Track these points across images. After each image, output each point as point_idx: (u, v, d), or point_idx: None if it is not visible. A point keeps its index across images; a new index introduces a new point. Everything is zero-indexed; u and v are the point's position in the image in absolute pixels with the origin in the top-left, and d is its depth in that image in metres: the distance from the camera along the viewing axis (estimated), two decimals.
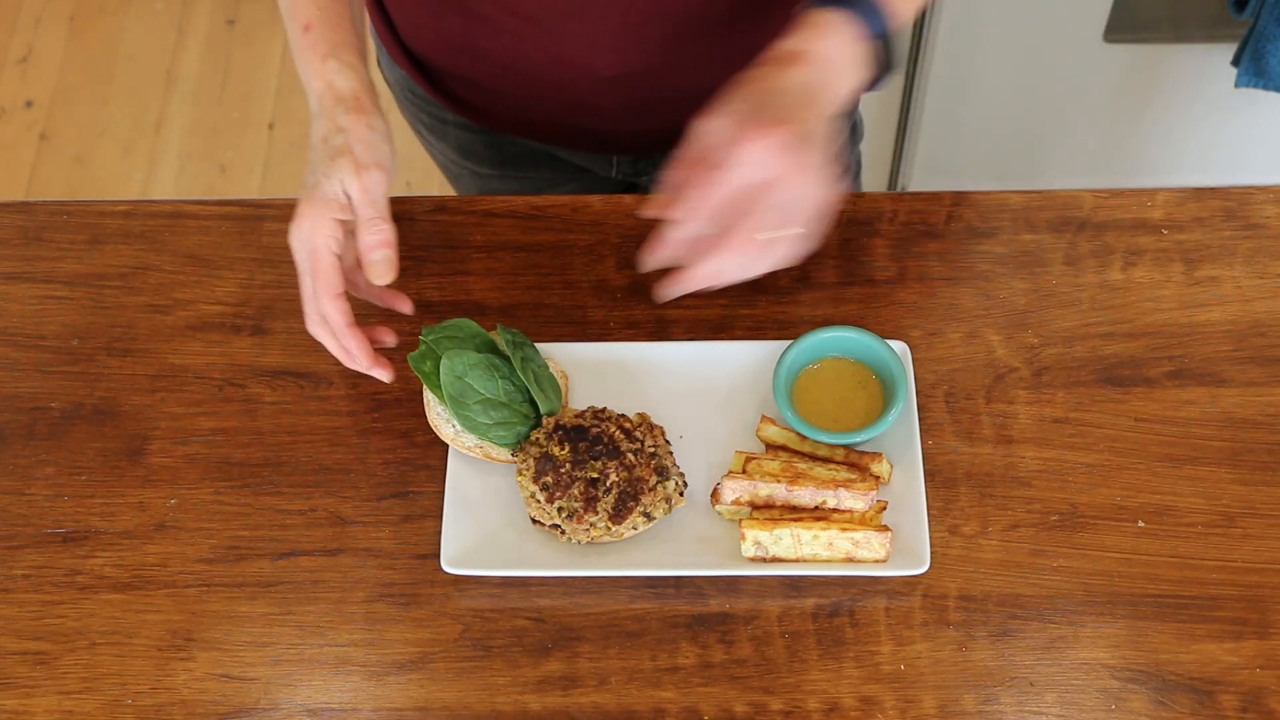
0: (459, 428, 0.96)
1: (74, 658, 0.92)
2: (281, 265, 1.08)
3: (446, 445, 0.98)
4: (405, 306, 1.00)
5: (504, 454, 0.96)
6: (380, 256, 0.91)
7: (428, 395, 0.97)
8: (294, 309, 1.05)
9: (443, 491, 0.96)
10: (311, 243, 0.90)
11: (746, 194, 0.84)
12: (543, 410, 0.96)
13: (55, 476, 0.99)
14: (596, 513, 0.92)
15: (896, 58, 0.92)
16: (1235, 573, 0.93)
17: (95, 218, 1.12)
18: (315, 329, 0.94)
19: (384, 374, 0.95)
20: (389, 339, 0.99)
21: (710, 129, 0.85)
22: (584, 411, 0.96)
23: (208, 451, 1.00)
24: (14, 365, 1.04)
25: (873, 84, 0.92)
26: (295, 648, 0.92)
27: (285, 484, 0.99)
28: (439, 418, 0.96)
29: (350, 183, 0.89)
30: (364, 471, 0.99)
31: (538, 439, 0.94)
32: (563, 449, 0.93)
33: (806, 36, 0.88)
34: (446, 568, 0.92)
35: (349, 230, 0.91)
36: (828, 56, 0.87)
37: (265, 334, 1.05)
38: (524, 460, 0.94)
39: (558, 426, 0.94)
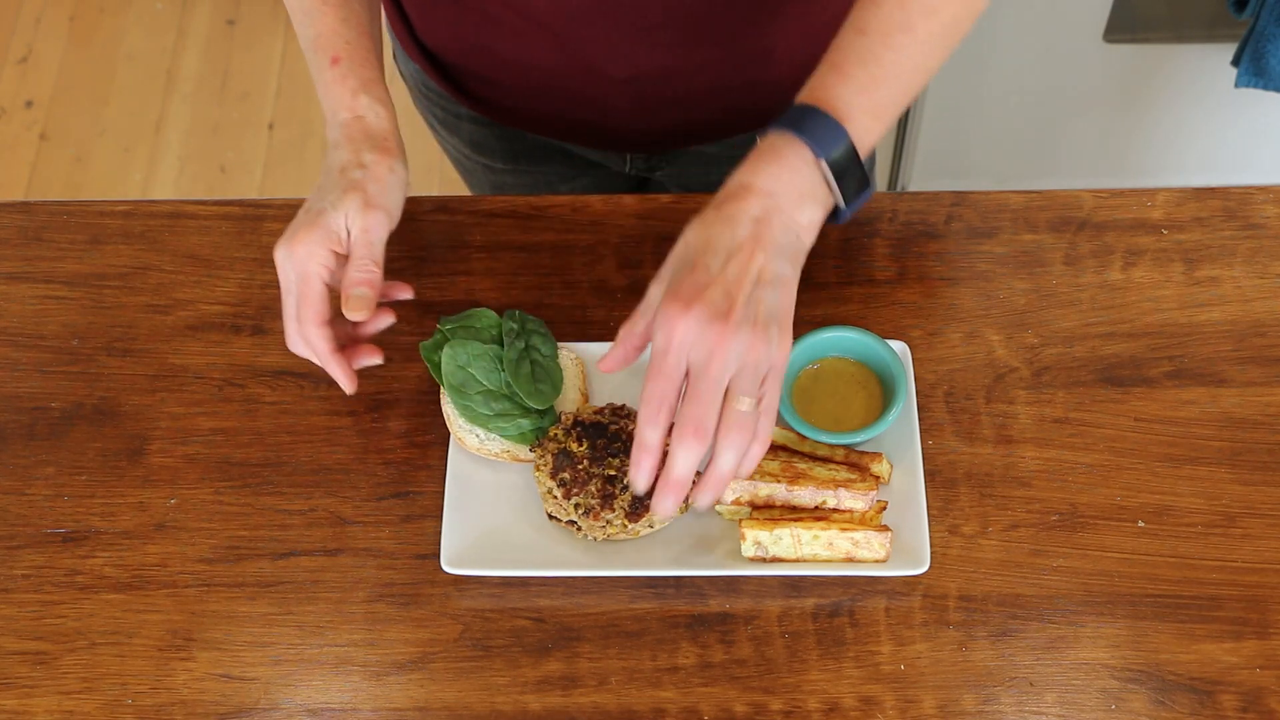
0: (483, 436, 0.96)
1: (74, 658, 0.92)
2: None
3: (446, 445, 0.98)
4: (405, 293, 1.00)
5: (529, 455, 0.96)
6: (360, 293, 0.91)
7: (447, 410, 0.97)
8: None
9: (443, 491, 0.96)
10: (303, 268, 0.91)
11: (691, 376, 0.79)
12: (531, 405, 0.96)
13: (55, 476, 0.99)
14: (613, 510, 0.92)
15: (870, 178, 0.88)
16: (1235, 573, 0.93)
17: (95, 218, 1.12)
18: (295, 347, 0.94)
19: (350, 385, 0.95)
20: (375, 358, 0.97)
21: (651, 298, 0.84)
22: (603, 408, 0.96)
23: (208, 451, 1.00)
24: (14, 365, 1.05)
25: (844, 209, 0.87)
26: (295, 648, 0.92)
27: (285, 484, 0.99)
28: (462, 430, 0.96)
29: (355, 219, 0.91)
30: (364, 471, 0.99)
31: (556, 434, 0.95)
32: (581, 445, 0.93)
33: (752, 168, 0.85)
34: (446, 568, 0.92)
35: (342, 261, 0.92)
36: (774, 188, 0.84)
37: (265, 334, 1.05)
38: (542, 456, 0.94)
39: (576, 423, 0.95)
